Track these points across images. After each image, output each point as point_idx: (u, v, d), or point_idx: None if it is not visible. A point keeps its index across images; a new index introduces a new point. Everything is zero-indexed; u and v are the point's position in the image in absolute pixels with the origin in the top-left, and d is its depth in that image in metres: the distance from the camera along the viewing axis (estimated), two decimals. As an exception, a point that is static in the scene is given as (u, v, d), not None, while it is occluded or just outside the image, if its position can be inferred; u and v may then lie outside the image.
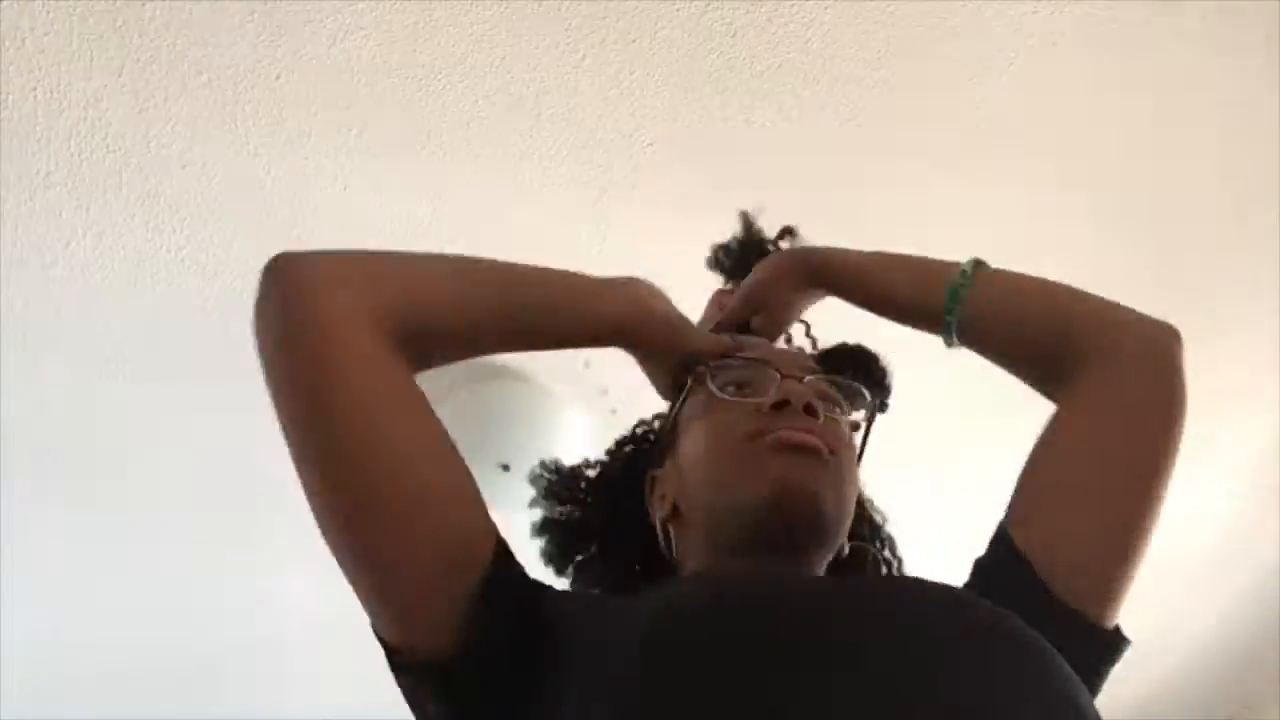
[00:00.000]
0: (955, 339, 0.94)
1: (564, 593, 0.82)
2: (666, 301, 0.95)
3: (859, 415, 0.93)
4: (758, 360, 0.91)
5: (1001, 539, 0.84)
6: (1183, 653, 2.54)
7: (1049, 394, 0.91)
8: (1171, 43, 1.55)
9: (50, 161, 1.62)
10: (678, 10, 1.50)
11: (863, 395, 0.93)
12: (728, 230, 1.10)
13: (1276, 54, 1.55)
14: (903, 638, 0.66)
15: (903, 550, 0.99)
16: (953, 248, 0.97)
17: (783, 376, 0.87)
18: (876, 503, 1.01)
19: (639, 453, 1.00)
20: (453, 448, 0.77)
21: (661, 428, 0.98)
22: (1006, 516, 0.85)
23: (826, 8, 1.50)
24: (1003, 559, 0.82)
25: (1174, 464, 0.84)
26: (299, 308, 0.75)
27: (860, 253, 1.00)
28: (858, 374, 0.96)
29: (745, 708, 0.61)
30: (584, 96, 1.58)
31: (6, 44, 1.47)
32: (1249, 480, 2.23)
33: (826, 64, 1.56)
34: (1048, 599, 0.78)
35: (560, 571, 0.97)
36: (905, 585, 0.84)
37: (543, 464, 1.01)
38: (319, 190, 1.67)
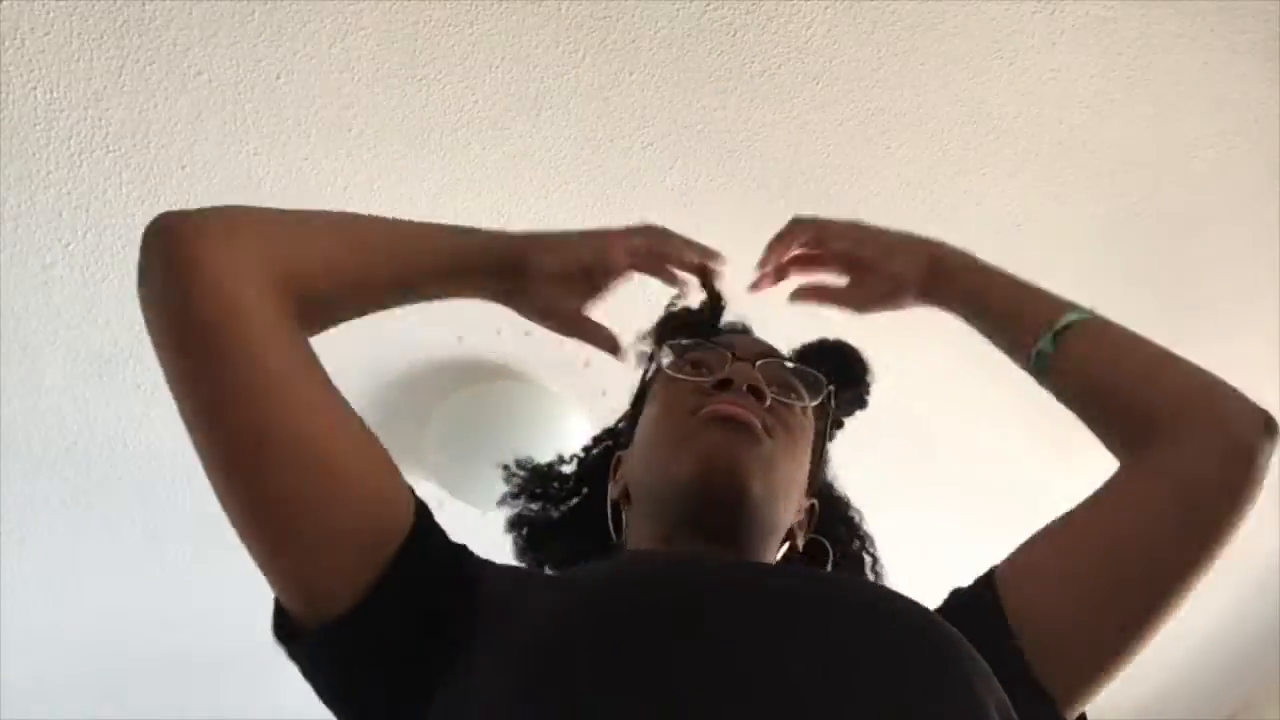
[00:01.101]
0: (1039, 369, 0.89)
1: (489, 564, 0.78)
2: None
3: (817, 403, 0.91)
4: (714, 342, 0.91)
5: (988, 587, 0.80)
6: (1183, 653, 2.54)
7: (1118, 453, 0.86)
8: (1171, 43, 1.55)
9: (50, 161, 1.62)
10: (678, 10, 1.50)
11: (821, 383, 0.91)
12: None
13: (1276, 54, 1.55)
14: (780, 628, 0.65)
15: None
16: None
17: (735, 358, 0.87)
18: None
19: (615, 438, 1.00)
20: (357, 418, 0.73)
21: (630, 410, 0.97)
22: (1005, 564, 0.82)
23: (826, 8, 1.50)
24: (980, 608, 0.79)
25: (1207, 570, 0.80)
26: (191, 272, 0.68)
27: (976, 257, 0.95)
28: (832, 368, 0.95)
29: (630, 687, 0.61)
30: (584, 96, 1.58)
31: (6, 44, 1.47)
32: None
33: (826, 64, 1.56)
34: (1019, 668, 0.74)
35: (538, 566, 0.96)
36: (837, 583, 0.81)
37: (516, 462, 0.99)
38: (319, 190, 1.67)
